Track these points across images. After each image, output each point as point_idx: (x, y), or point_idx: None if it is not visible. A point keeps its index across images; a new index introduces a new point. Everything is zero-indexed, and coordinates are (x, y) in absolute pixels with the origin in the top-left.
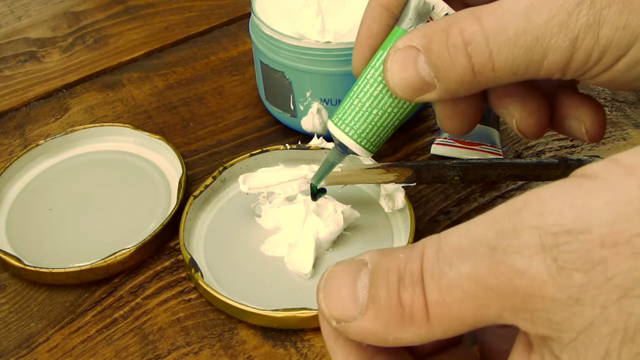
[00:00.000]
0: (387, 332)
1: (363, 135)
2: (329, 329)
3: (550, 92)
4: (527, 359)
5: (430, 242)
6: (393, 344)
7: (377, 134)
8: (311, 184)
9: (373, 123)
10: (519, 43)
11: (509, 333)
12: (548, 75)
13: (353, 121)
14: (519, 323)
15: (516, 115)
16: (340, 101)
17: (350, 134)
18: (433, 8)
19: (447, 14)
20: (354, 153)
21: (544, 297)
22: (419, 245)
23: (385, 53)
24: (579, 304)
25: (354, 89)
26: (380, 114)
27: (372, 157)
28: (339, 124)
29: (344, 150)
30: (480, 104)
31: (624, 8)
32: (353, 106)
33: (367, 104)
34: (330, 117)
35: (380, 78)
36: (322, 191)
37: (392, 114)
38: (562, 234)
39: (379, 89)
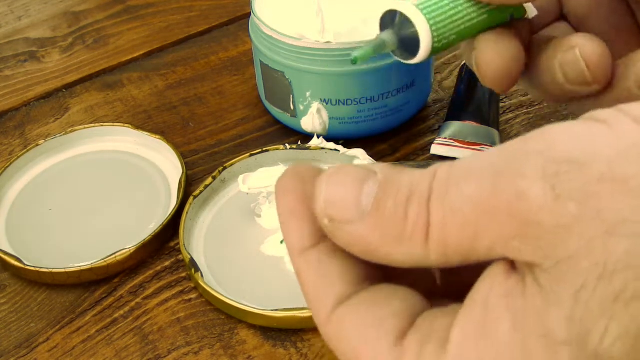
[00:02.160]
0: (380, 245)
1: (439, 26)
2: (288, 204)
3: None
4: (505, 275)
5: (443, 164)
6: (379, 260)
7: (449, 33)
8: (354, 57)
9: (452, 20)
10: None
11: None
12: None
13: (436, 9)
14: (508, 254)
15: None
16: (340, 101)
17: (427, 17)
18: None
19: None
20: (409, 46)
21: (538, 223)
22: (433, 167)
23: None
24: (567, 233)
25: None
26: (462, 14)
27: (372, 157)
28: (418, 4)
29: (403, 33)
30: (524, 47)
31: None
32: None
33: None
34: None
35: None
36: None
37: (473, 20)
38: (564, 163)
39: None
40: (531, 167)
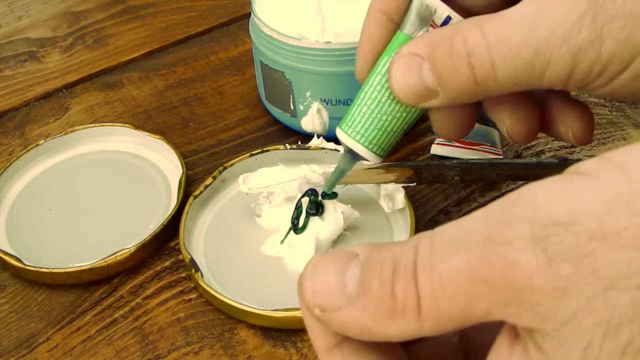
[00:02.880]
0: (374, 325)
1: (374, 142)
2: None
3: (540, 97)
4: (510, 348)
5: (424, 236)
6: (377, 339)
7: (386, 139)
8: (323, 192)
9: (382, 129)
10: (521, 55)
11: (489, 324)
12: (550, 87)
13: (363, 128)
14: (507, 318)
15: (507, 122)
16: (340, 101)
17: (361, 141)
18: (435, 11)
19: (448, 17)
20: (364, 159)
21: (531, 288)
22: (414, 239)
23: (390, 59)
24: (565, 295)
25: (361, 96)
26: (389, 119)
27: None
28: (348, 132)
29: (354, 156)
30: (474, 111)
31: (627, 23)
32: (362, 113)
33: (376, 111)
34: (338, 125)
35: (386, 84)
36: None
37: (401, 118)
38: (552, 226)
39: (386, 95)
40: (519, 234)
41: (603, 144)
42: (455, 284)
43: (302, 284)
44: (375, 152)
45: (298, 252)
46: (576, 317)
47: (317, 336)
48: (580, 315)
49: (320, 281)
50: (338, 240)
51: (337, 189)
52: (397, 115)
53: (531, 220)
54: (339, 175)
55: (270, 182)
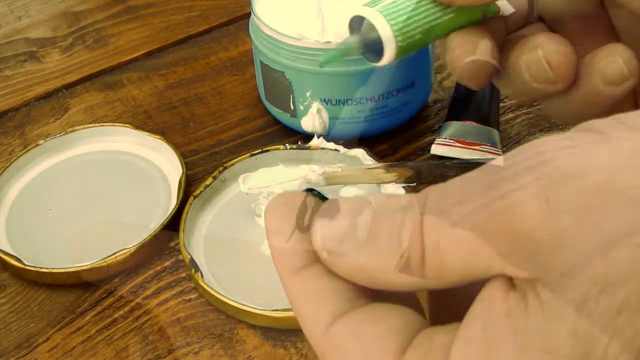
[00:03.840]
0: (379, 272)
1: (400, 24)
2: (276, 226)
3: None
4: (504, 292)
5: (435, 187)
6: (381, 286)
7: (411, 30)
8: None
9: (412, 17)
10: None
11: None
12: None
13: (395, 8)
14: (507, 270)
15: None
16: (340, 101)
17: (387, 17)
18: None
19: None
20: (377, 50)
21: (533, 238)
22: (426, 190)
23: None
24: (565, 247)
25: None
26: (424, 12)
27: (372, 158)
28: (377, 7)
29: (367, 44)
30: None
31: None
32: None
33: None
34: (366, 4)
35: None
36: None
37: (431, 13)
38: (557, 176)
39: None
40: (523, 183)
41: None
42: (457, 234)
43: (313, 226)
44: (397, 40)
45: None
46: (574, 270)
47: (284, 255)
48: (577, 269)
49: (332, 225)
50: None
51: (336, 189)
52: (436, 15)
53: (536, 170)
54: (339, 55)
55: (270, 182)
